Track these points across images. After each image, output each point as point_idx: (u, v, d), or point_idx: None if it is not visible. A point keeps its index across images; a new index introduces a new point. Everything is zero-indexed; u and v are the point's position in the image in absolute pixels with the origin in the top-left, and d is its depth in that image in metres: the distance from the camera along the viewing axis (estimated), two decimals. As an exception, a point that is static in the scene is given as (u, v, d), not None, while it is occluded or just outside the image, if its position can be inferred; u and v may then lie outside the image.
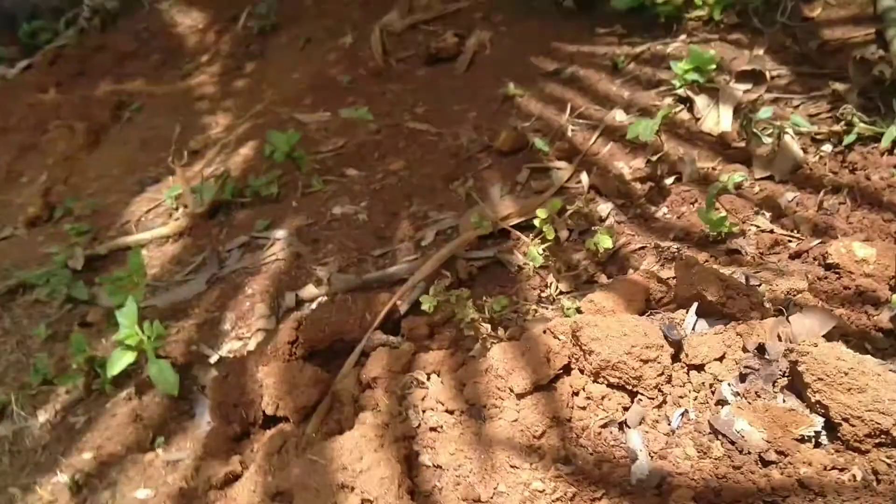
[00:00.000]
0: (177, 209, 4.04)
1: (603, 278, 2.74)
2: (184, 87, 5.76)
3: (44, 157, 5.23)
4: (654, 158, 2.98)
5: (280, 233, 3.58)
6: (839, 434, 1.76)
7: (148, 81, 5.98)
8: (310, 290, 3.15)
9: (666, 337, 2.03)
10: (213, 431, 2.46)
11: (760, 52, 3.53)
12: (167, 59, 6.28)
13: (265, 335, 3.02)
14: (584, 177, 3.24)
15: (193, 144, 4.84)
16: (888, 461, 1.70)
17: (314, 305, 3.05)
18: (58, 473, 2.51)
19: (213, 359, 2.95)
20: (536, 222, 2.76)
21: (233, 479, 2.23)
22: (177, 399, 2.76)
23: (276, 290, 3.23)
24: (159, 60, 6.28)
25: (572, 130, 3.58)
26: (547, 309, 2.65)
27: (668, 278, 2.46)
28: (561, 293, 2.71)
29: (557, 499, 1.88)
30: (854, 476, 1.70)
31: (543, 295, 2.76)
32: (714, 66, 3.31)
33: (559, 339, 2.16)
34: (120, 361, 2.72)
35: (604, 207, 3.09)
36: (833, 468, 1.73)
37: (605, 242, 2.62)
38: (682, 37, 3.89)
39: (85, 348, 2.81)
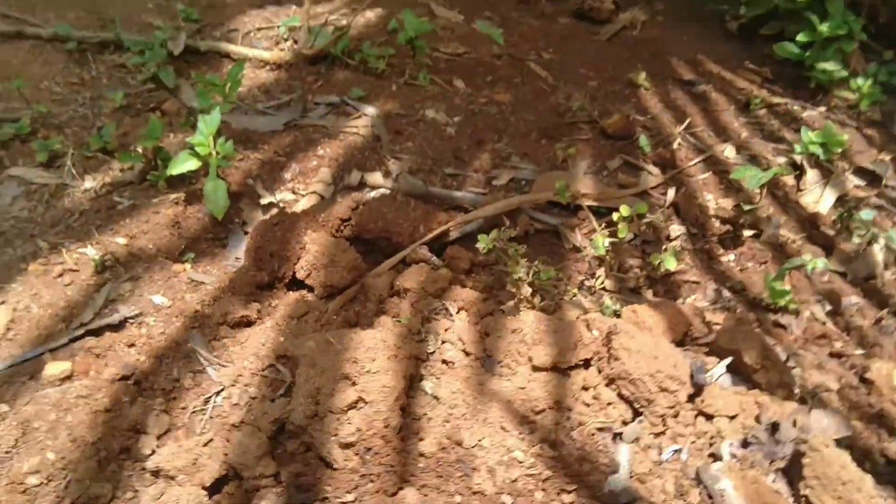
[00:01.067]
0: (286, 40, 4.02)
1: (649, 294, 2.77)
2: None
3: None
4: (747, 208, 2.96)
5: (370, 109, 3.58)
6: (809, 536, 1.82)
7: None
8: (376, 178, 3.18)
9: (692, 376, 2.07)
10: (243, 271, 2.52)
11: (887, 158, 3.51)
12: None
13: (318, 201, 3.06)
14: (671, 192, 3.22)
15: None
16: (841, 581, 1.76)
17: (374, 194, 3.09)
18: (88, 246, 2.56)
19: (264, 200, 3.00)
20: (615, 215, 2.77)
21: (246, 323, 2.30)
22: (217, 223, 2.82)
23: (345, 162, 3.26)
24: None
25: (679, 144, 3.54)
26: (585, 298, 2.68)
27: (712, 322, 2.49)
28: (604, 289, 2.74)
29: (531, 475, 1.95)
30: (805, 579, 1.77)
31: (586, 283, 2.79)
32: (840, 150, 3.27)
33: (592, 333, 2.20)
34: (184, 164, 2.75)
35: (676, 228, 3.08)
36: (789, 563, 1.80)
37: (670, 263, 2.63)
38: (822, 109, 3.89)
39: (159, 136, 2.83)
